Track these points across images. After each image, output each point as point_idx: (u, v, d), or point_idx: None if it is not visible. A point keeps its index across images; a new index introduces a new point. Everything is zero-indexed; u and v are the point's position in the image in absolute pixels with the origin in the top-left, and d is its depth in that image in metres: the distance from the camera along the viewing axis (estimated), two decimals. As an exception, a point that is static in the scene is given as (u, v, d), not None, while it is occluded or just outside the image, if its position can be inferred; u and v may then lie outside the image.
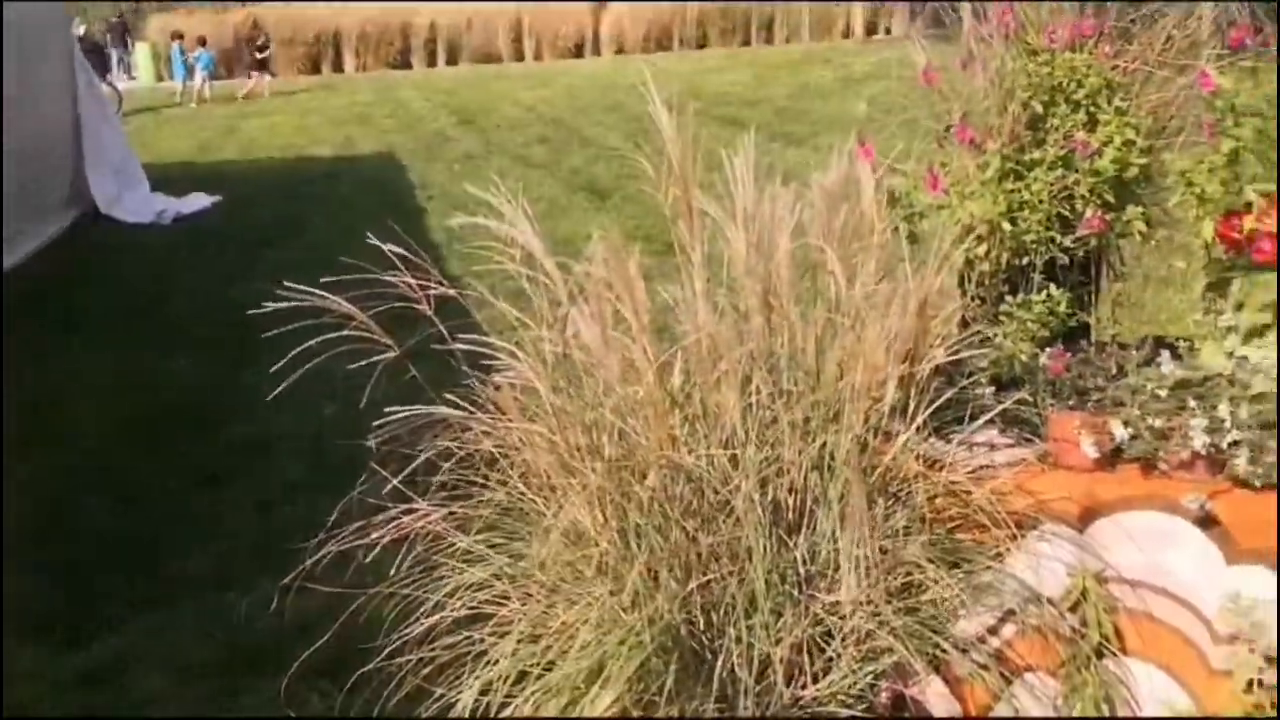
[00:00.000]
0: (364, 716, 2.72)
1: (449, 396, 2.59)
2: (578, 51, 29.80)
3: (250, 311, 2.54)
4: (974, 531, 2.56)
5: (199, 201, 10.90)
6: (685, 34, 31.48)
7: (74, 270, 8.74)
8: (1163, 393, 2.47)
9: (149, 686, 3.53)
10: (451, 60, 28.81)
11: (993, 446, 2.69)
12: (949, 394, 2.51)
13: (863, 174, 2.61)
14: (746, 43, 31.14)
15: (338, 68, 27.55)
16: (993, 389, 2.64)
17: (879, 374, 2.47)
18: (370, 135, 16.38)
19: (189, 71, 21.96)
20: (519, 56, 29.34)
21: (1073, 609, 2.50)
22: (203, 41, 22.60)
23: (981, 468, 2.60)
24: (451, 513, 2.60)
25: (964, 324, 2.64)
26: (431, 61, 28.56)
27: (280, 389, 2.61)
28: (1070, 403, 2.59)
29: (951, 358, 2.49)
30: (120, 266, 9.01)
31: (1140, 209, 2.62)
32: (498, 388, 2.71)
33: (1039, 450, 2.63)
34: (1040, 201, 2.55)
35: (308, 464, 4.76)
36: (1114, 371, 2.62)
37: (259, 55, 22.64)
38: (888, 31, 30.72)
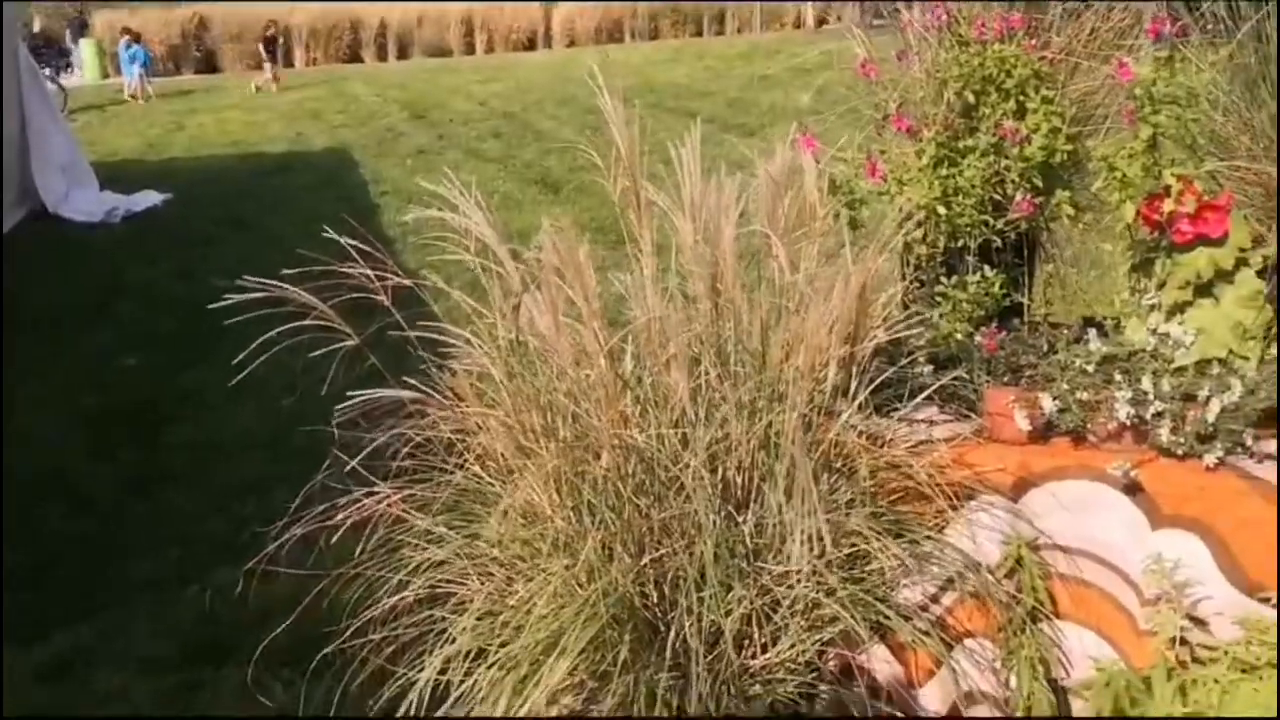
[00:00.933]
0: (322, 716, 2.79)
1: (408, 381, 2.69)
2: (529, 45, 29.80)
3: (211, 306, 2.62)
4: (915, 503, 2.68)
5: (149, 199, 10.86)
6: (637, 26, 31.58)
7: (23, 270, 8.70)
8: (1090, 368, 2.61)
9: (109, 681, 3.58)
10: (402, 55, 28.72)
11: (932, 422, 2.82)
12: (889, 373, 2.63)
13: (805, 162, 2.73)
14: (699, 34, 31.28)
15: (288, 63, 27.39)
16: (931, 368, 2.76)
17: (821, 355, 2.59)
18: (321, 131, 16.34)
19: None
20: (470, 50, 29.30)
21: (1009, 575, 2.64)
22: (137, 38, 22.41)
23: (921, 443, 2.72)
24: (411, 495, 2.69)
25: (904, 306, 2.76)
26: (382, 56, 28.46)
27: (237, 380, 2.67)
28: (1005, 379, 2.72)
29: (891, 338, 2.61)
30: (69, 265, 8.98)
31: (1068, 193, 2.76)
32: (454, 374, 2.81)
33: (975, 425, 2.76)
34: (973, 187, 2.68)
35: (266, 458, 4.81)
36: (1045, 349, 2.76)
37: (270, 50, 22.57)
38: (839, 20, 30.98)
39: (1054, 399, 2.59)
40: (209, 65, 27.58)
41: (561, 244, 2.58)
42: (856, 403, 2.63)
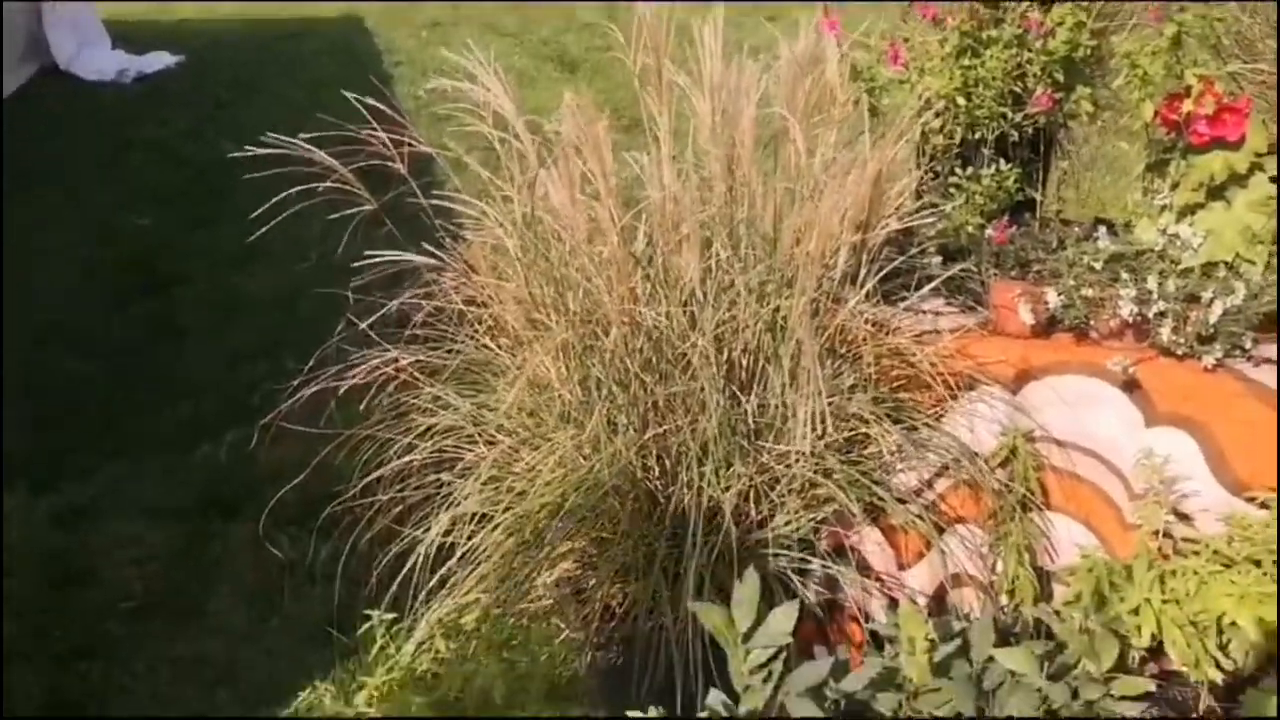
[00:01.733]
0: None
1: (427, 247, 2.73)
2: (550, -83, 29.09)
3: (230, 155, 2.64)
4: (915, 391, 2.74)
5: (161, 60, 10.71)
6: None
7: (32, 126, 8.66)
8: (1097, 265, 2.64)
9: (121, 530, 3.68)
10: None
11: (938, 313, 2.86)
12: (898, 262, 2.67)
13: (827, 47, 2.72)
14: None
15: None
16: (940, 259, 2.79)
17: (832, 241, 2.62)
18: (336, -1, 16.03)
19: None
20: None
21: (1003, 465, 2.71)
22: None
23: (926, 333, 2.77)
24: (421, 361, 2.75)
25: (917, 196, 2.78)
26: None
27: (251, 240, 2.71)
28: (1012, 273, 2.76)
29: (903, 227, 2.64)
30: (79, 123, 8.94)
31: (1089, 90, 2.76)
32: (469, 246, 2.85)
33: (981, 318, 2.81)
34: (994, 78, 2.67)
35: (279, 319, 4.85)
36: (1055, 245, 2.78)
37: None
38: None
39: (1059, 294, 2.63)
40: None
41: (580, 119, 2.59)
42: (864, 290, 2.66)
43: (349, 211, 2.76)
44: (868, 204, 2.56)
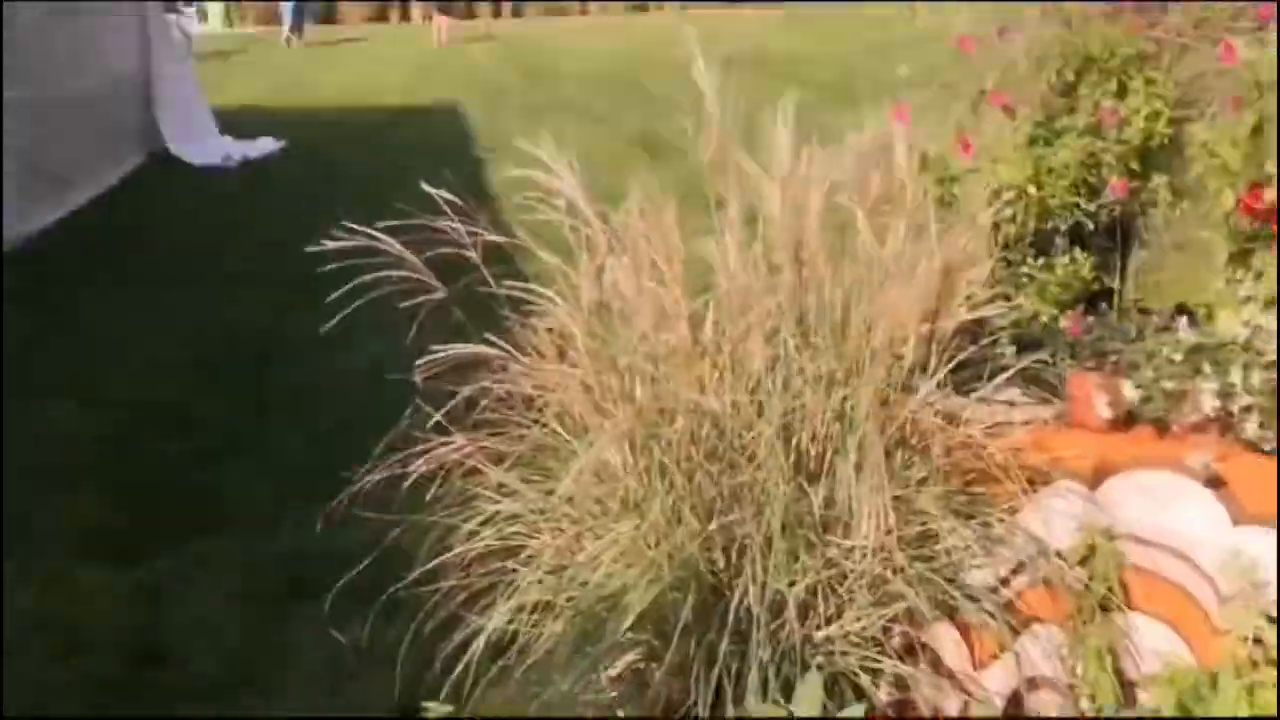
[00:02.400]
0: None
1: (491, 338, 2.74)
2: (643, 7, 29.68)
3: (309, 249, 2.70)
4: (989, 485, 2.66)
5: (266, 146, 11.12)
6: (753, -9, 31.18)
7: (143, 212, 9.00)
8: (1177, 356, 2.55)
9: (198, 609, 3.72)
10: (517, 13, 28.85)
11: (1011, 404, 2.78)
12: (970, 352, 2.60)
13: (897, 136, 2.70)
14: None
15: (405, 17, 27.71)
16: (1013, 349, 2.72)
17: (902, 330, 2.57)
18: (435, 85, 16.51)
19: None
20: (584, 10, 29.30)
21: (1081, 563, 2.60)
22: None
23: (999, 424, 2.69)
24: (488, 448, 2.75)
25: (990, 285, 2.72)
26: (497, 14, 28.63)
27: (330, 326, 2.74)
28: (1089, 364, 2.68)
29: (974, 317, 2.58)
30: (187, 209, 9.25)
31: (1166, 178, 2.69)
32: (537, 332, 2.86)
33: (1056, 410, 2.72)
34: (1067, 168, 2.62)
35: (359, 403, 4.92)
36: (1132, 335, 2.70)
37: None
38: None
39: (1137, 387, 2.54)
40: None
41: (649, 207, 2.59)
42: (935, 380, 2.60)
43: (422, 299, 2.79)
44: (937, 294, 2.51)
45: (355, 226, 2.76)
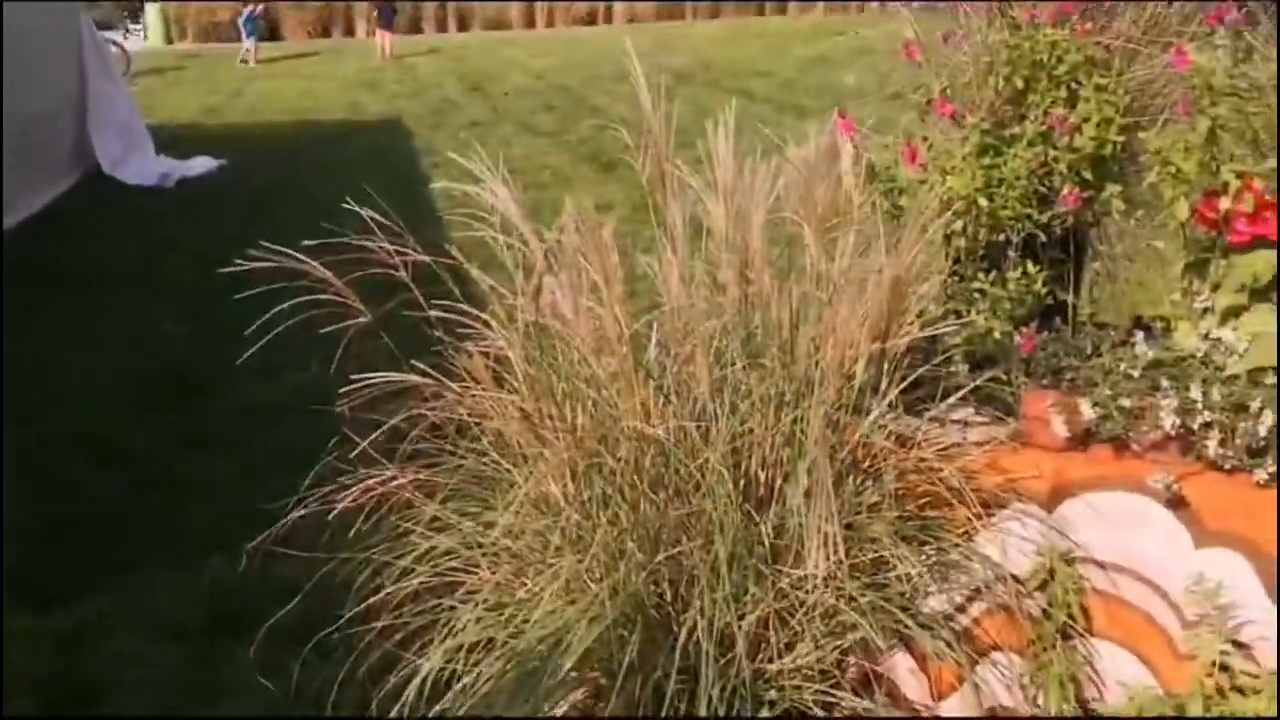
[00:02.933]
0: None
1: (421, 365, 2.59)
2: (590, 20, 29.62)
3: (220, 270, 2.56)
4: (943, 509, 2.56)
5: (204, 164, 10.89)
6: (699, 4, 31.22)
7: (74, 234, 8.75)
8: (1135, 373, 2.47)
9: (128, 649, 3.54)
10: (462, 26, 28.66)
11: (966, 424, 2.68)
12: (921, 371, 2.50)
13: (842, 147, 2.60)
14: (761, 12, 30.88)
15: (348, 32, 27.44)
16: (966, 368, 2.63)
17: (851, 350, 2.47)
18: (378, 101, 16.33)
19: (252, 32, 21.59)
20: (530, 24, 29.18)
21: (1040, 589, 2.51)
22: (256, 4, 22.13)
23: (953, 445, 2.59)
24: (421, 479, 2.61)
25: (941, 301, 2.62)
26: (442, 28, 28.42)
27: (247, 356, 2.61)
28: (1044, 382, 2.58)
29: (926, 334, 2.48)
30: (119, 230, 9.01)
31: (1119, 187, 2.60)
32: (471, 356, 2.72)
33: (1011, 429, 2.63)
34: (1018, 178, 2.53)
35: (287, 431, 4.73)
36: (1089, 351, 2.61)
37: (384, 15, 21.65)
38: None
39: (1095, 405, 2.45)
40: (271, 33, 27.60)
41: (585, 224, 2.47)
42: (886, 401, 2.50)
43: (351, 323, 2.66)
44: (887, 310, 2.40)
45: (282, 249, 2.62)
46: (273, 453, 4.52)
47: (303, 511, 2.53)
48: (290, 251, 2.63)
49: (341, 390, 2.47)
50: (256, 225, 8.74)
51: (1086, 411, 2.39)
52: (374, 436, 2.55)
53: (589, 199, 9.55)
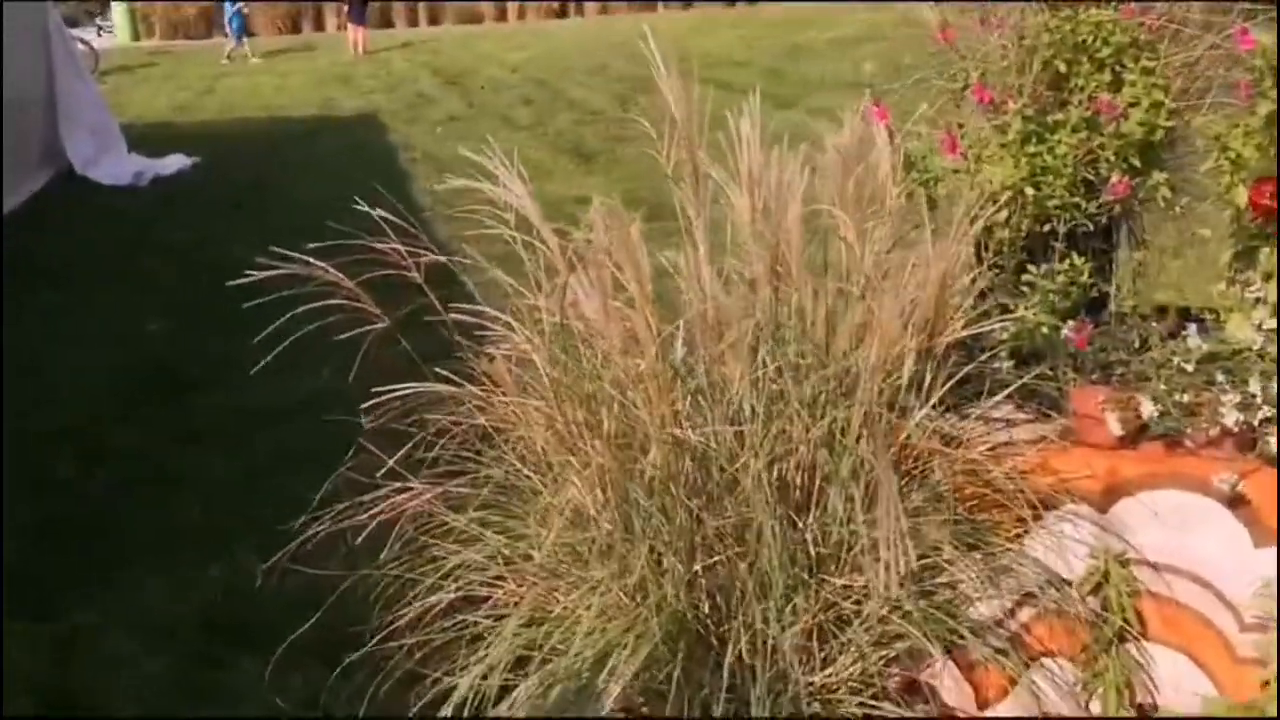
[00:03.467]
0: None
1: (441, 371, 2.46)
2: (562, 13, 29.39)
3: (232, 283, 2.41)
4: (993, 511, 2.45)
5: (177, 162, 10.65)
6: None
7: (49, 233, 8.53)
8: (1189, 367, 2.36)
9: (127, 652, 3.38)
10: (434, 21, 28.37)
11: (1011, 422, 2.57)
12: (969, 369, 2.39)
13: (878, 136, 2.47)
14: (733, 3, 30.75)
15: (319, 27, 27.11)
16: (1011, 363, 2.51)
17: (894, 348, 2.35)
18: (352, 96, 16.09)
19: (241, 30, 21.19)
20: (502, 17, 28.92)
21: (1094, 592, 2.40)
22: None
23: (1001, 445, 2.48)
24: (445, 491, 2.47)
25: (981, 295, 2.50)
26: (413, 21, 28.12)
27: (266, 360, 2.46)
28: (1093, 377, 2.47)
29: (973, 331, 2.36)
30: (94, 228, 8.79)
31: (1164, 175, 2.49)
32: (492, 360, 2.59)
33: (1059, 426, 2.52)
34: (1065, 166, 2.41)
35: (293, 435, 4.59)
36: (1137, 344, 2.50)
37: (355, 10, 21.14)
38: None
39: (1153, 400, 2.34)
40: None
41: (613, 221, 2.34)
42: (932, 401, 2.38)
43: (365, 329, 2.51)
44: (934, 306, 2.28)
45: (288, 253, 2.47)
46: (274, 455, 4.36)
47: (321, 528, 2.39)
48: (299, 255, 2.49)
49: (363, 405, 2.32)
50: (237, 223, 8.61)
51: (1147, 409, 2.28)
52: (397, 456, 2.40)
53: (571, 191, 9.45)
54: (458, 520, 2.42)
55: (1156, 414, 2.30)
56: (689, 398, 2.48)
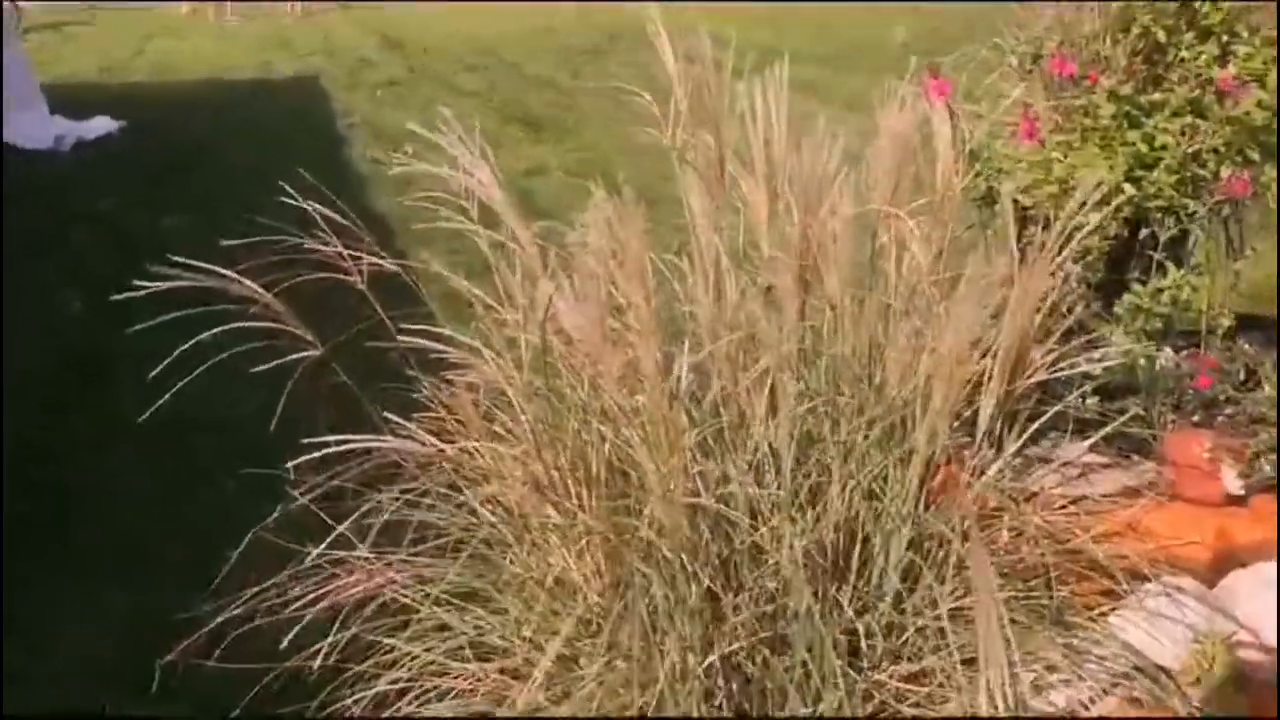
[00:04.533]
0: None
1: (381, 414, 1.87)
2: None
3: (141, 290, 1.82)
4: (1072, 581, 1.93)
5: (103, 126, 9.80)
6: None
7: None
8: (1319, 408, 1.86)
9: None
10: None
11: (1085, 469, 2.05)
12: (1054, 410, 1.86)
13: (936, 118, 1.92)
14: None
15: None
16: (1096, 399, 1.99)
17: (964, 388, 1.80)
18: (291, 60, 15.21)
19: None
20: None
21: (1195, 683, 1.90)
22: None
23: (1080, 499, 1.97)
24: (389, 562, 1.89)
25: (1062, 316, 1.97)
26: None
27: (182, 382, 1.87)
28: (1195, 418, 1.96)
29: (1068, 368, 1.82)
30: (12, 196, 8.00)
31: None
32: (453, 391, 2.01)
33: (1145, 474, 2.01)
34: (1175, 159, 1.88)
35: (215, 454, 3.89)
36: (1242, 376, 1.99)
37: None
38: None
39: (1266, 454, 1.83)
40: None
41: (617, 223, 1.77)
42: (1009, 453, 1.85)
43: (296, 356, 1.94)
44: (1019, 335, 1.74)
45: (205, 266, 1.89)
46: (185, 472, 3.70)
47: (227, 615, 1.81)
48: (219, 270, 1.89)
49: (288, 469, 1.73)
50: (167, 191, 7.84)
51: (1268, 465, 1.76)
52: (330, 538, 1.81)
53: (520, 163, 8.82)
54: (415, 605, 1.85)
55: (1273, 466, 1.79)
56: (700, 440, 1.93)
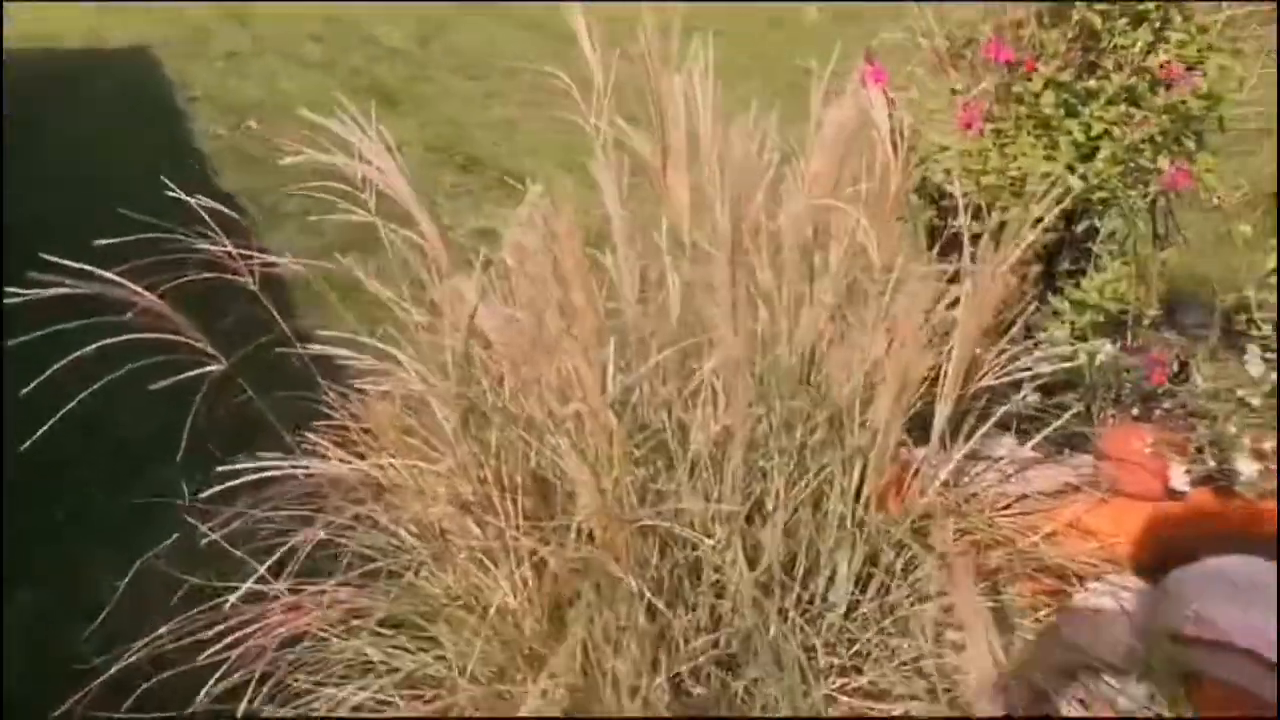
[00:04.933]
0: None
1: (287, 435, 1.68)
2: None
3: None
4: (1022, 583, 1.88)
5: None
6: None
7: None
8: (1256, 400, 1.83)
9: None
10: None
11: (1018, 465, 1.99)
12: (1004, 409, 1.78)
13: (875, 107, 1.81)
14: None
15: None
16: (1038, 396, 1.93)
17: (914, 390, 1.71)
18: (122, 27, 14.35)
19: None
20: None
21: (1141, 678, 1.87)
22: None
23: (1020, 497, 1.91)
24: (299, 592, 1.70)
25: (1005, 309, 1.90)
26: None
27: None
28: (1134, 411, 1.92)
29: (1015, 368, 1.75)
30: None
31: (1212, 157, 1.94)
32: (365, 403, 1.83)
33: (1080, 469, 1.96)
34: (1122, 149, 1.82)
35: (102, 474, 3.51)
36: (1175, 368, 1.96)
37: None
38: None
39: (1211, 444, 1.80)
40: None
41: (555, 218, 1.61)
42: (960, 454, 1.77)
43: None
44: (975, 342, 1.66)
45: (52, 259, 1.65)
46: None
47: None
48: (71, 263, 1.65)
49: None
50: (13, 175, 7.25)
51: (1245, 468, 1.73)
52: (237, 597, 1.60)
53: (375, 137, 8.48)
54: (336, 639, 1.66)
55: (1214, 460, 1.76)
56: (638, 451, 1.79)
